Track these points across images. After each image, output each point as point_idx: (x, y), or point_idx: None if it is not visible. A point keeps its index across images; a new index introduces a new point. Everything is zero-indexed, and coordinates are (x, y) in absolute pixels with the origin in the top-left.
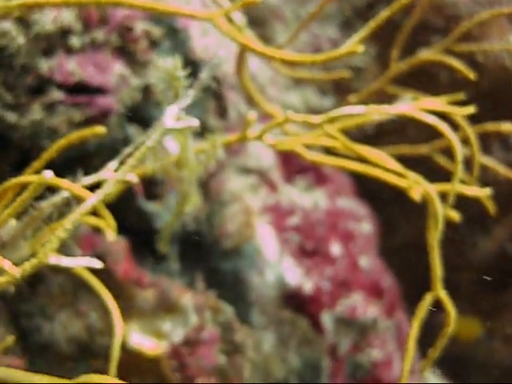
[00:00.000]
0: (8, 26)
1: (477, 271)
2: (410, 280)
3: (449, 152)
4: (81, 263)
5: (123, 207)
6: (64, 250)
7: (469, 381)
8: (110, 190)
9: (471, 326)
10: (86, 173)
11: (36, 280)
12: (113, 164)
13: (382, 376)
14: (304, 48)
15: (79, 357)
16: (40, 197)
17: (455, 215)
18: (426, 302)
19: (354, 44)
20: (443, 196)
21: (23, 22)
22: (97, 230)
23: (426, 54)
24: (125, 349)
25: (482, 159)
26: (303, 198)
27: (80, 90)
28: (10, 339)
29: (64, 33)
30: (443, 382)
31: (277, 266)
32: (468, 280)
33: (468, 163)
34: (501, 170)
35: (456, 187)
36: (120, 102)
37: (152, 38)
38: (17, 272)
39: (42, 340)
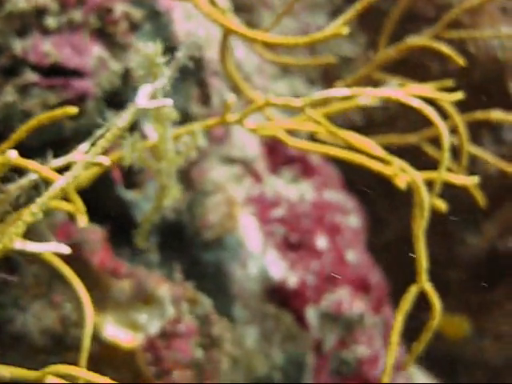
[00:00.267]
0: None
1: (466, 268)
2: (399, 277)
3: (438, 142)
4: (48, 248)
5: (101, 195)
6: (38, 238)
7: (457, 380)
8: (79, 172)
9: (459, 323)
10: None
11: (10, 270)
12: (84, 146)
13: (368, 373)
14: (293, 36)
15: (53, 349)
16: (7, 179)
17: (442, 205)
18: (411, 294)
19: (339, 26)
20: (430, 185)
21: None
22: (73, 219)
23: (414, 40)
24: (99, 341)
25: (471, 149)
26: (289, 189)
27: (56, 72)
28: None
29: (39, 12)
30: (430, 382)
31: (260, 258)
32: (457, 277)
33: (457, 153)
34: (490, 159)
35: (443, 175)
36: (98, 85)
37: (132, 21)
38: None
39: (15, 332)
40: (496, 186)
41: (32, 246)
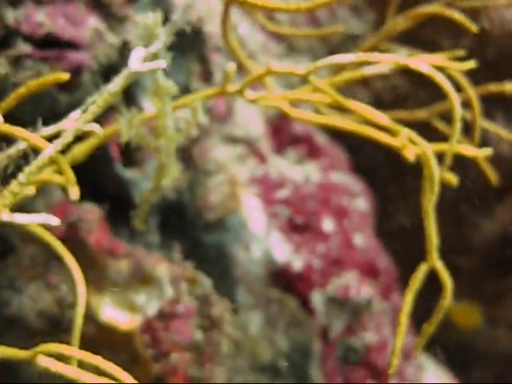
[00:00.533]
0: None
1: (478, 255)
2: (409, 264)
3: (449, 117)
4: (36, 220)
5: (99, 173)
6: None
7: (470, 370)
8: (68, 139)
9: (471, 313)
10: None
11: (6, 250)
12: (75, 114)
13: (376, 361)
14: (299, 15)
15: (49, 332)
16: None
17: (452, 178)
18: (421, 272)
19: None
20: (440, 159)
21: None
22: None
23: (424, 7)
24: (96, 323)
25: (484, 124)
26: (294, 170)
27: (50, 43)
28: None
29: None
30: (441, 371)
31: (264, 241)
32: (468, 264)
33: (469, 129)
34: (503, 133)
35: (454, 147)
36: (94, 58)
37: None
38: None
39: (11, 314)
40: (509, 167)
41: (20, 218)
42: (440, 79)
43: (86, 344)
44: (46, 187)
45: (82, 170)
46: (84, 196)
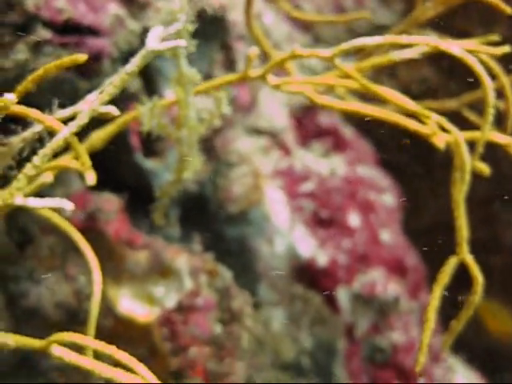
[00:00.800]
0: None
1: (511, 253)
2: (439, 263)
3: (480, 107)
4: (49, 203)
5: (119, 163)
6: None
7: (501, 375)
8: (84, 121)
9: (504, 316)
10: None
11: (25, 241)
12: (92, 96)
13: (403, 362)
14: (325, 5)
15: (66, 323)
16: (10, 132)
17: (485, 168)
18: (450, 266)
19: None
20: (471, 148)
21: None
22: (89, 188)
23: None
24: (114, 315)
25: None
26: (319, 163)
27: (70, 29)
28: None
29: None
30: (471, 375)
31: (288, 235)
32: (502, 264)
33: (501, 121)
34: None
35: (486, 134)
36: (115, 45)
37: None
38: None
39: (29, 305)
40: None
41: (33, 202)
42: (472, 62)
43: (104, 336)
44: (65, 176)
45: (101, 159)
46: (103, 186)
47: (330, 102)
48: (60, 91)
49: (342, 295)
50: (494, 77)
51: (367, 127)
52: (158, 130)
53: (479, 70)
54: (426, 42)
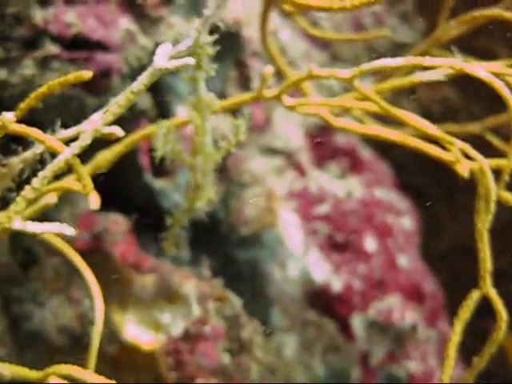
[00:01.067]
0: None
1: None
2: (458, 289)
3: (504, 132)
4: (49, 229)
5: (128, 183)
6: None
7: None
8: (86, 142)
9: None
10: None
11: (30, 262)
12: (97, 115)
13: None
14: (343, 22)
15: (69, 348)
16: (10, 152)
17: (510, 197)
18: (472, 300)
19: None
20: (496, 176)
21: None
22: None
23: (478, 11)
24: (119, 342)
25: None
26: (335, 185)
27: (78, 44)
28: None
29: None
30: None
31: (301, 259)
32: None
33: None
34: None
35: None
36: (124, 61)
37: None
38: None
39: (32, 329)
40: None
41: (32, 226)
42: (499, 86)
43: (108, 363)
44: (71, 197)
45: (109, 178)
46: (111, 206)
47: (347, 124)
48: (67, 108)
49: (357, 322)
50: None
51: (386, 148)
52: (171, 156)
53: (507, 94)
54: (451, 64)
